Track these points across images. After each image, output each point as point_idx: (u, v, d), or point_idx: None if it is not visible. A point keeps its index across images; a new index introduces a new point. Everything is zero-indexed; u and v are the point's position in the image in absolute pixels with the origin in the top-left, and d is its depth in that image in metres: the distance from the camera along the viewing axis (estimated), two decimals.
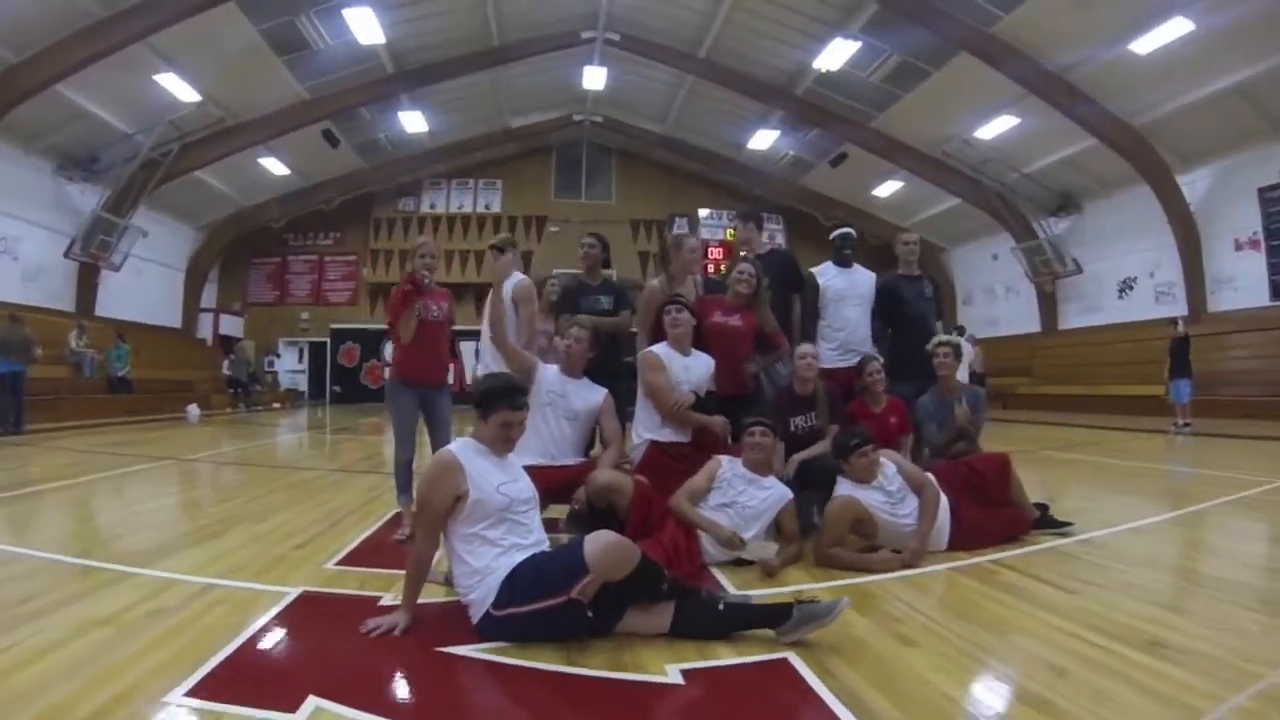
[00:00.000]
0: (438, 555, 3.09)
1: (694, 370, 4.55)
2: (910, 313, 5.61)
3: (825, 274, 5.63)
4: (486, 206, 23.96)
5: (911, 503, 4.07)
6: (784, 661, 2.64)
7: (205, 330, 21.96)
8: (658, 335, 4.74)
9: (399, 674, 2.55)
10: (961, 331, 15.23)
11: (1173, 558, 4.27)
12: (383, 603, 3.22)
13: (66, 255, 15.94)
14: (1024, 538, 4.44)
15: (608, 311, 5.32)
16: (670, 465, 4.36)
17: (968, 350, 13.85)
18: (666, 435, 4.50)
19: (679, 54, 17.86)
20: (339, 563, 3.98)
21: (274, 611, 3.10)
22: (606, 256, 5.65)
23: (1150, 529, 4.93)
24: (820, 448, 4.58)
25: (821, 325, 5.49)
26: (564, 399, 4.40)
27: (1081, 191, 18.21)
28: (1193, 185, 15.59)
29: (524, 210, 23.87)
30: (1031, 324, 20.17)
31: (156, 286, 19.47)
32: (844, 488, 4.04)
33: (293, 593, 3.36)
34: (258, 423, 15.08)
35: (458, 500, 2.93)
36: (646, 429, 4.55)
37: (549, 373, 4.43)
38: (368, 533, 4.73)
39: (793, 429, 4.72)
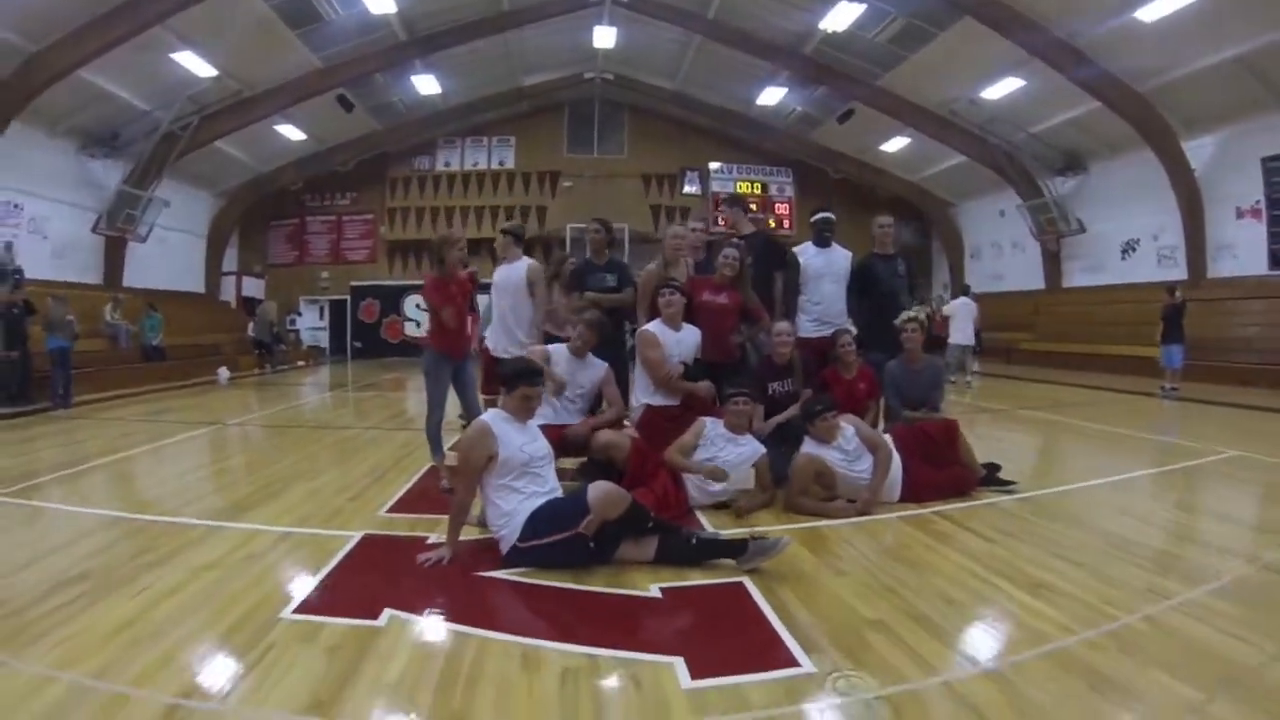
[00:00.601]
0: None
1: (684, 343, 5.46)
2: (883, 289, 6.36)
3: (805, 253, 6.41)
4: (501, 163, 24.54)
5: (867, 460, 4.91)
6: (740, 584, 3.53)
7: (229, 293, 22.86)
8: (654, 312, 5.61)
9: (448, 592, 3.45)
10: (966, 291, 15.63)
11: (1095, 518, 4.88)
12: (430, 540, 4.13)
13: (94, 230, 16.71)
14: (971, 494, 5.27)
15: (612, 289, 6.19)
16: (664, 425, 5.27)
17: (972, 309, 14.52)
18: (660, 400, 5.43)
19: (687, 14, 18.25)
20: (389, 510, 4.93)
21: (345, 550, 4.02)
22: (611, 238, 6.50)
23: (1089, 491, 5.66)
24: (794, 410, 5.42)
25: (801, 299, 6.30)
26: (572, 378, 5.27)
27: (1088, 152, 18.53)
28: (1198, 151, 15.84)
29: (537, 166, 24.45)
30: (1036, 281, 20.66)
31: (180, 254, 20.24)
32: (808, 446, 4.90)
33: (355, 536, 4.28)
34: (285, 383, 16.04)
35: (490, 459, 3.81)
36: (643, 394, 5.49)
37: (560, 355, 5.25)
38: (408, 485, 5.68)
39: (771, 393, 5.59)
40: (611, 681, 2.66)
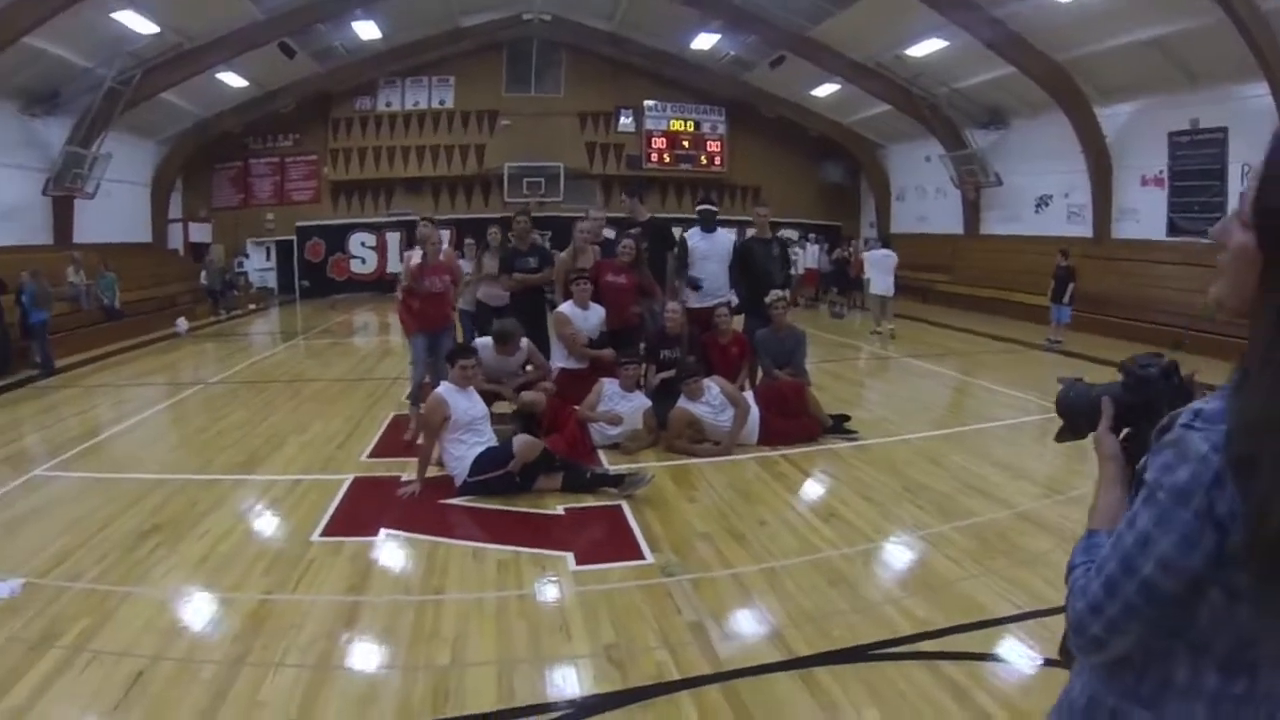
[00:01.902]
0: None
1: (590, 320, 7.40)
2: (759, 269, 8.14)
3: (693, 237, 8.17)
4: (441, 102, 25.49)
5: (729, 412, 6.80)
6: (618, 506, 5.45)
7: (176, 241, 23.77)
8: (567, 292, 7.48)
9: (421, 514, 5.29)
10: (888, 242, 16.96)
11: (907, 466, 6.47)
12: (403, 478, 5.95)
13: (44, 193, 17.50)
14: (819, 440, 7.17)
15: (535, 269, 8.12)
16: (575, 383, 7.18)
17: (892, 259, 15.48)
18: (572, 364, 7.39)
19: None
20: (368, 456, 6.78)
21: (343, 489, 5.85)
22: (532, 225, 8.47)
23: (919, 442, 7.36)
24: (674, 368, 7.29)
25: (688, 275, 8.07)
26: (501, 366, 7.00)
27: (1009, 109, 20.13)
28: (1112, 119, 17.39)
29: (476, 105, 25.47)
30: (956, 225, 22.55)
31: (125, 205, 20.93)
32: (682, 401, 6.80)
33: (348, 478, 6.11)
34: (244, 332, 17.52)
35: (444, 419, 5.60)
36: (559, 359, 7.47)
37: (488, 354, 6.87)
38: (379, 433, 7.55)
39: (662, 358, 7.48)
40: (528, 565, 4.55)
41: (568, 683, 3.42)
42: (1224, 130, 15.26)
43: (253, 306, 22.01)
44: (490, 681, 3.40)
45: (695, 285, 7.92)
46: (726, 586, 4.35)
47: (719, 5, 20.10)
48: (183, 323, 17.05)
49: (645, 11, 21.98)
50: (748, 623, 3.99)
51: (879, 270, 15.39)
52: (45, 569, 4.58)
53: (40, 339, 12.12)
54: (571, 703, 3.28)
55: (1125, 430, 1.30)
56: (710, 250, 8.08)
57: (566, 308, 7.36)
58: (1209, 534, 0.98)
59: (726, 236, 8.31)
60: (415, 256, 7.37)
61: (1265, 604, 0.96)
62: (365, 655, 3.64)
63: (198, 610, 4.11)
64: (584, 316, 7.34)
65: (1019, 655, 3.65)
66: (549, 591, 4.28)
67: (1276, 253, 0.97)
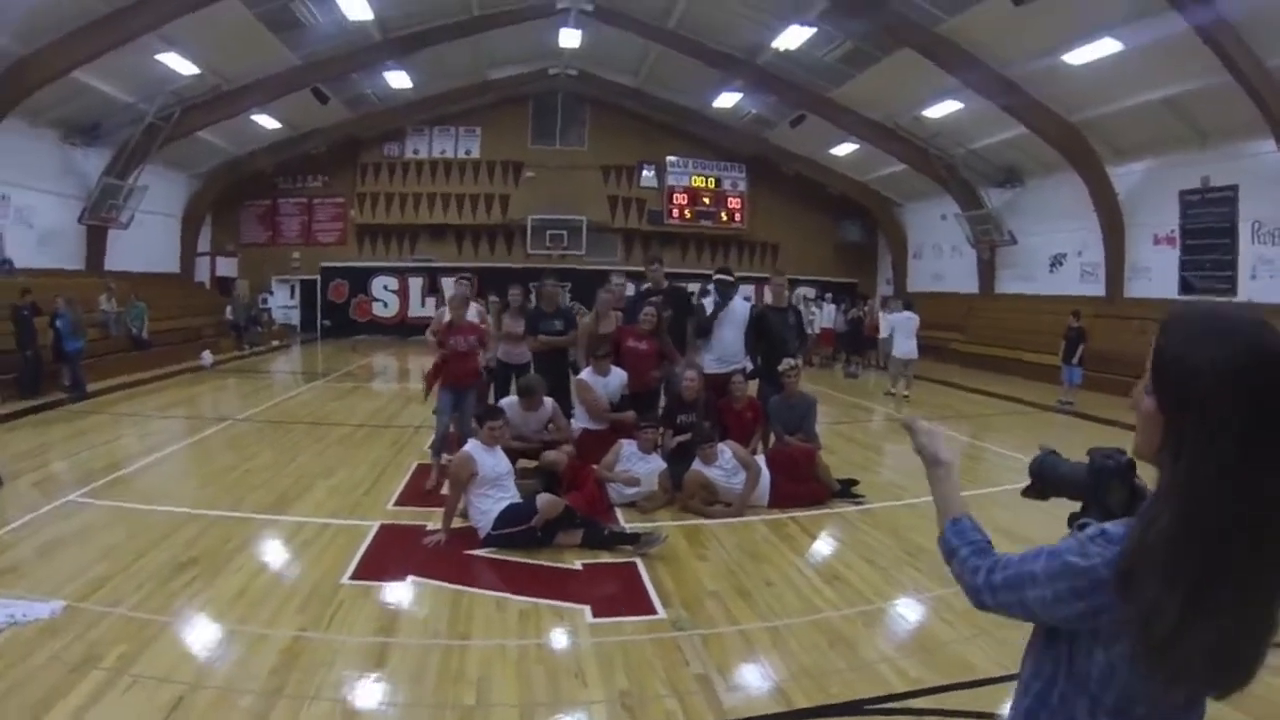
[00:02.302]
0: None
1: (611, 385, 7.80)
2: (775, 336, 8.55)
3: (709, 307, 8.54)
4: (467, 152, 26.42)
5: (741, 475, 7.14)
6: (633, 563, 5.76)
7: (203, 274, 24.64)
8: (588, 357, 7.91)
9: (447, 564, 5.64)
10: (909, 305, 16.57)
11: (910, 530, 6.67)
12: (428, 528, 6.28)
13: (80, 221, 18.32)
14: (827, 504, 7.49)
15: (559, 332, 8.58)
16: (595, 444, 7.53)
17: (915, 322, 15.40)
18: (593, 425, 7.76)
19: (648, 26, 20.19)
20: (394, 504, 7.13)
21: (370, 535, 6.19)
22: (559, 292, 8.79)
23: (922, 506, 7.39)
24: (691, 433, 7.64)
25: (704, 342, 8.47)
26: (525, 424, 7.45)
27: (1023, 169, 20.67)
28: (1125, 177, 17.81)
29: (502, 156, 26.38)
30: (971, 284, 23.06)
31: (156, 236, 21.85)
32: (696, 465, 7.14)
33: (375, 524, 6.46)
34: (267, 369, 18.07)
35: (472, 475, 5.96)
36: (581, 421, 7.84)
37: (514, 413, 7.28)
38: (404, 481, 7.92)
39: (679, 421, 7.82)
40: (548, 616, 4.88)
41: None
42: (1234, 188, 15.63)
43: (276, 343, 22.65)
44: None
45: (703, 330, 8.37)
46: (733, 642, 4.66)
47: (742, 66, 20.82)
48: (208, 355, 17.60)
49: (670, 69, 22.73)
50: (751, 676, 4.28)
51: (901, 333, 15.37)
52: (84, 594, 4.89)
53: (74, 365, 12.72)
54: None
55: (1079, 511, 1.60)
56: (725, 318, 8.45)
57: (588, 374, 7.82)
58: (1072, 606, 1.33)
59: (742, 304, 8.71)
60: (445, 315, 7.85)
61: (1148, 681, 1.29)
62: (395, 693, 3.96)
63: (234, 643, 4.41)
64: (604, 383, 7.80)
65: (1003, 712, 3.93)
66: (567, 641, 4.61)
67: (1171, 415, 1.29)
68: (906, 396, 14.77)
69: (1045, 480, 1.73)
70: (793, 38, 17.94)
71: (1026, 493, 1.75)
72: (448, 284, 24.94)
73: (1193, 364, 1.25)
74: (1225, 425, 1.21)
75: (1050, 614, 1.38)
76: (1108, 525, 1.35)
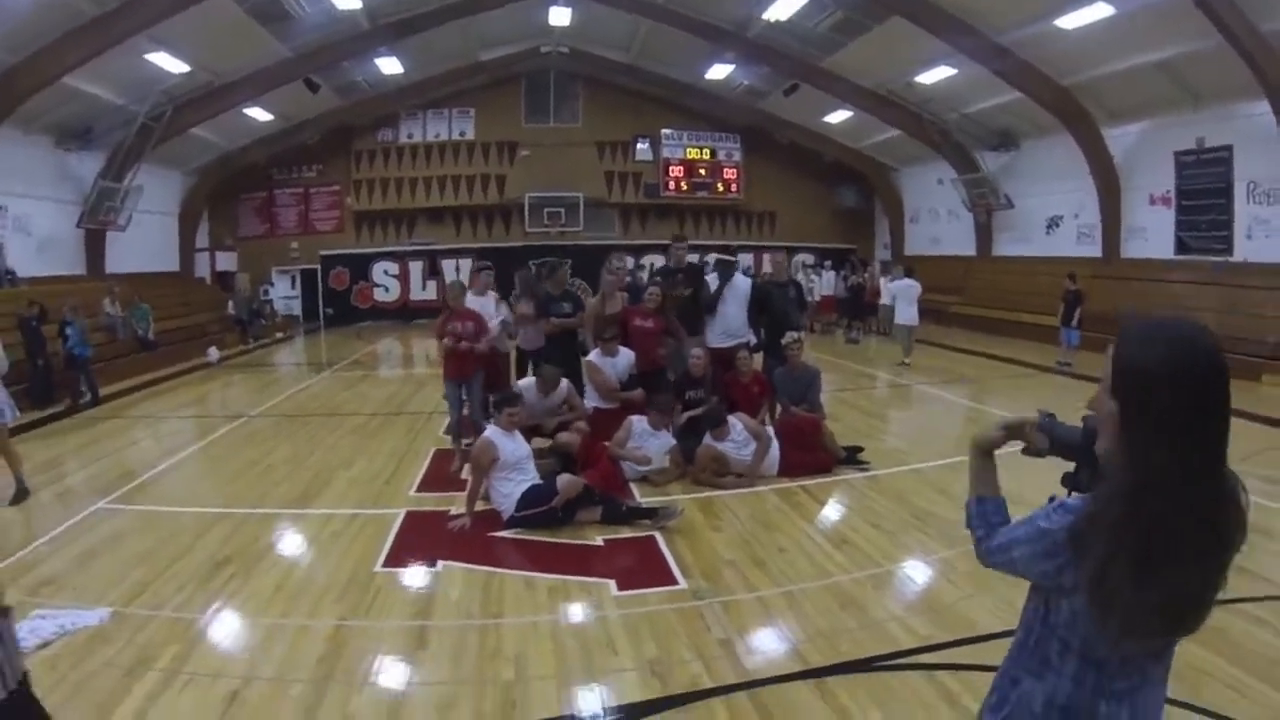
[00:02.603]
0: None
1: (619, 365, 8.12)
2: (777, 310, 8.85)
3: (712, 284, 8.83)
4: (461, 134, 26.40)
5: (751, 446, 7.42)
6: (652, 537, 6.05)
7: (203, 269, 24.77)
8: (598, 335, 8.23)
9: (474, 546, 5.91)
10: (911, 272, 16.71)
11: (915, 495, 7.02)
12: (452, 512, 6.57)
13: (79, 226, 18.38)
14: (834, 471, 7.76)
15: (569, 314, 8.80)
16: (607, 421, 7.82)
17: (916, 289, 15.67)
18: (604, 404, 8.08)
19: (638, 1, 20.21)
20: (416, 490, 7.40)
21: (398, 523, 6.46)
22: (566, 275, 9.18)
23: (926, 471, 7.87)
24: (701, 410, 7.89)
25: (710, 318, 8.74)
26: (543, 404, 7.75)
27: (1018, 132, 20.72)
28: (1120, 139, 17.92)
29: (496, 136, 26.38)
30: (969, 247, 23.19)
31: (155, 234, 21.90)
32: (707, 439, 7.42)
33: (400, 512, 6.73)
34: (274, 363, 18.35)
35: (493, 460, 6.23)
36: (592, 400, 8.18)
37: (531, 395, 7.60)
38: (424, 467, 8.20)
39: (687, 398, 8.08)
40: (575, 592, 5.17)
41: (617, 692, 4.01)
42: (1229, 149, 15.72)
43: (279, 335, 22.81)
44: (551, 693, 4.01)
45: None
46: (751, 608, 4.96)
47: (733, 38, 20.85)
48: (214, 352, 17.79)
49: (661, 43, 22.75)
50: (769, 639, 4.58)
51: (904, 300, 15.60)
52: (128, 599, 5.09)
53: (86, 371, 12.80)
54: (620, 708, 3.87)
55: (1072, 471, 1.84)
56: (729, 294, 8.73)
57: (595, 356, 8.12)
58: (1042, 565, 1.64)
59: (744, 281, 8.96)
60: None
61: (1101, 630, 1.57)
62: (439, 672, 4.24)
63: (280, 635, 4.66)
64: (612, 363, 8.09)
65: None
66: (596, 615, 4.89)
67: (1127, 414, 1.54)
68: (906, 363, 14.90)
69: (1055, 438, 1.94)
70: (783, 8, 17.97)
71: (1025, 451, 1.96)
72: (448, 266, 25.56)
73: (1144, 366, 1.51)
74: (1170, 414, 1.48)
75: (1029, 570, 1.71)
76: (1068, 498, 1.66)
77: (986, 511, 1.88)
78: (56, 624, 4.65)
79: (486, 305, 8.79)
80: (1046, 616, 1.69)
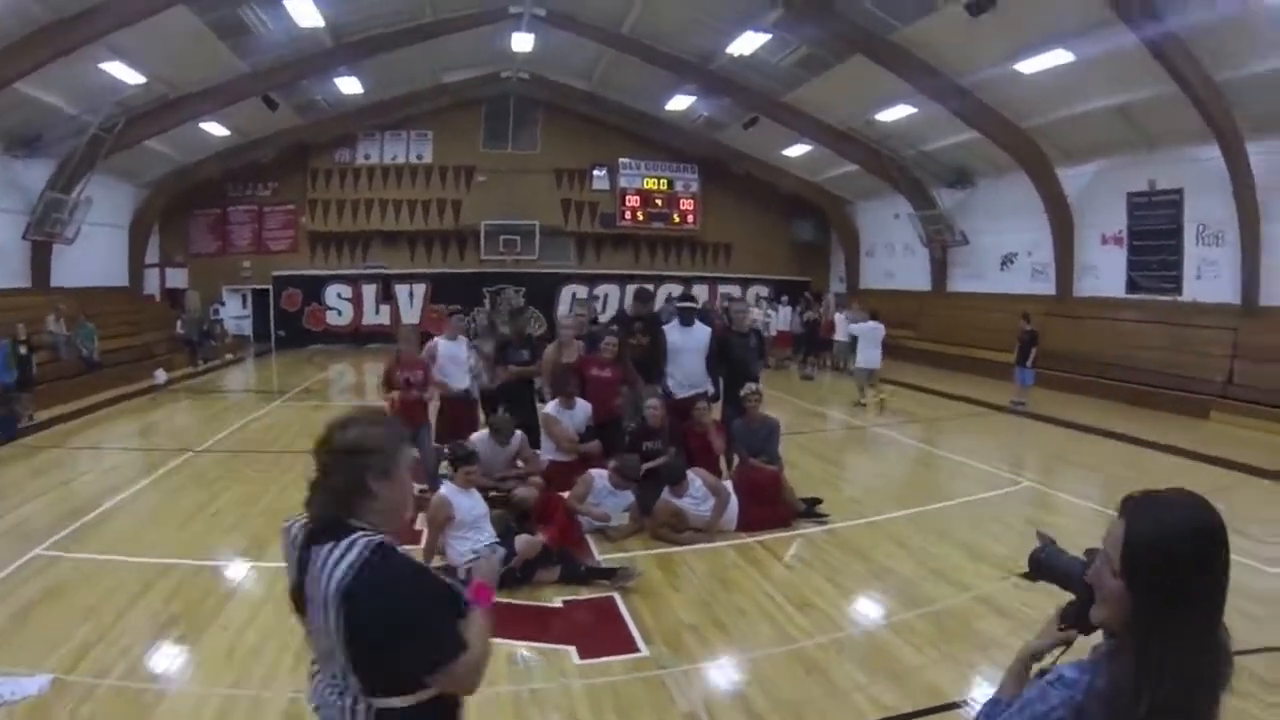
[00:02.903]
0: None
1: (577, 418, 8.15)
2: (735, 358, 8.90)
3: (671, 332, 8.85)
4: (419, 157, 26.26)
5: (709, 501, 7.42)
6: (611, 598, 6.01)
7: (152, 285, 24.20)
8: (553, 388, 8.28)
9: None
10: (875, 315, 16.48)
11: (874, 550, 7.15)
12: None
13: (24, 237, 17.86)
14: (792, 524, 7.78)
15: (527, 362, 8.87)
16: (563, 474, 7.85)
17: (879, 332, 15.65)
18: (560, 457, 8.09)
19: (602, 31, 20.32)
20: None
21: None
22: (527, 322, 9.15)
23: (884, 523, 7.98)
24: (659, 461, 7.86)
25: (669, 367, 8.75)
26: (496, 457, 7.72)
27: (975, 170, 21.18)
28: (1074, 179, 18.41)
29: (454, 160, 26.29)
30: (924, 282, 23.57)
31: (103, 248, 21.32)
32: (665, 495, 7.41)
33: None
34: (223, 389, 17.97)
35: (448, 519, 6.14)
36: (548, 453, 8.17)
37: (485, 447, 7.58)
38: None
39: (645, 449, 8.06)
40: (536, 659, 5.10)
41: None
42: (1179, 191, 16.24)
43: (229, 357, 22.40)
44: None
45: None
46: (714, 677, 4.96)
47: (696, 70, 21.03)
48: (161, 374, 17.43)
49: (623, 73, 22.90)
50: (734, 711, 4.54)
51: (867, 342, 15.45)
52: (70, 664, 4.84)
53: (8, 401, 12.20)
54: None
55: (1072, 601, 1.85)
56: (686, 343, 8.72)
57: (553, 408, 8.13)
58: None
59: (703, 330, 8.91)
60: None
61: None
62: None
63: (233, 709, 4.46)
64: (570, 415, 8.13)
65: None
66: (558, 685, 4.82)
67: (1141, 596, 1.53)
68: (883, 401, 14.91)
69: (1042, 573, 1.99)
70: (747, 43, 18.14)
71: (1027, 576, 2.01)
72: (402, 291, 25.40)
73: (1164, 547, 1.53)
74: (1187, 593, 1.52)
75: None
76: (1064, 670, 1.62)
77: (997, 713, 1.84)
78: None
79: (458, 350, 8.74)
80: None
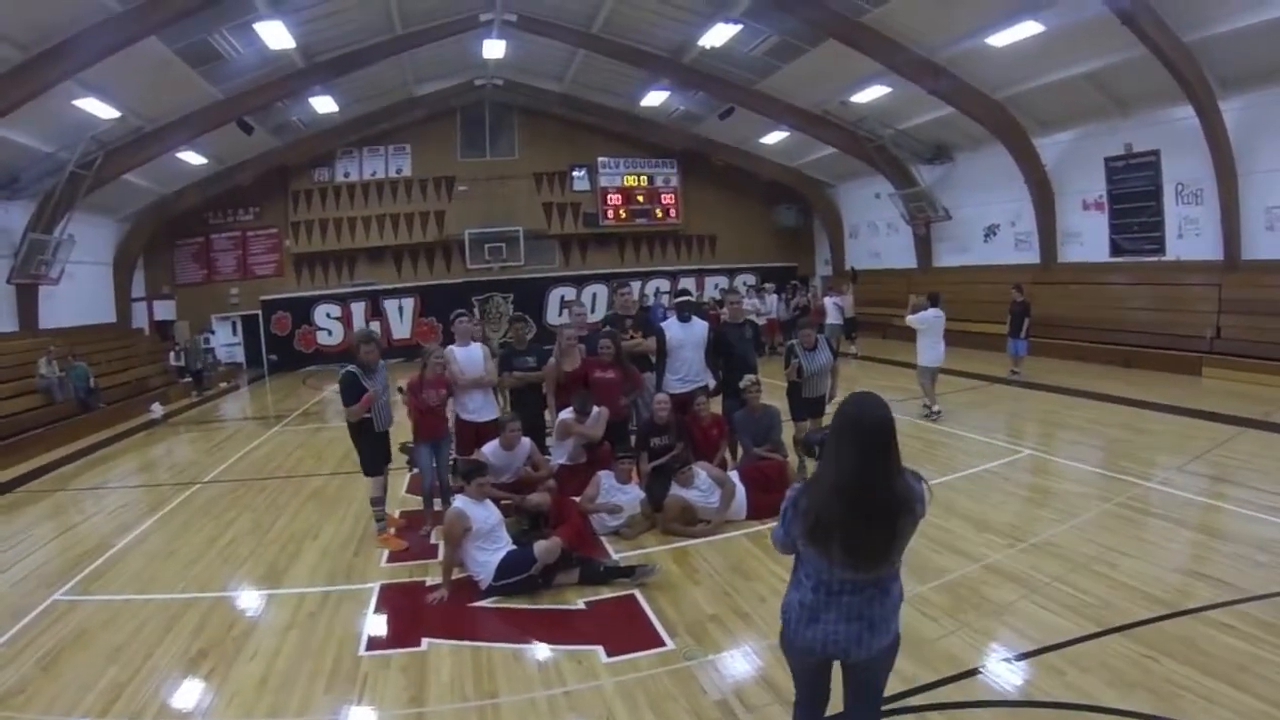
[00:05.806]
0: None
1: (595, 425, 8.20)
2: (734, 352, 8.99)
3: (670, 327, 8.94)
4: (398, 171, 26.31)
5: (717, 493, 7.55)
6: (632, 595, 6.11)
7: (140, 319, 24.18)
8: (559, 395, 8.48)
9: (456, 620, 5.91)
10: (936, 300, 13.04)
11: None
12: (428, 584, 6.54)
13: (9, 281, 17.85)
14: None
15: (532, 368, 8.88)
16: (574, 477, 7.99)
17: (942, 319, 12.95)
18: (570, 461, 8.22)
19: (572, 31, 20.38)
20: (388, 562, 7.31)
21: (373, 600, 6.39)
22: (526, 328, 9.39)
23: None
24: (667, 458, 8.00)
25: (669, 362, 8.85)
26: (508, 465, 7.81)
27: (953, 144, 21.39)
28: (1051, 148, 18.69)
29: (433, 172, 26.38)
30: (909, 259, 23.79)
31: (89, 286, 21.32)
32: (674, 490, 7.54)
33: (375, 586, 6.66)
34: (221, 419, 17.91)
35: (465, 531, 6.24)
36: (558, 458, 8.29)
37: (495, 457, 7.69)
38: (393, 534, 8.03)
39: (652, 445, 8.20)
40: (566, 662, 5.20)
41: None
42: (1156, 153, 16.52)
43: (224, 385, 22.41)
44: None
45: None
46: (741, 665, 5.07)
47: (668, 65, 21.16)
48: (158, 408, 17.42)
49: (596, 72, 23.03)
50: (762, 695, 4.66)
51: (932, 334, 12.38)
52: (104, 707, 4.83)
53: None
54: None
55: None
56: (686, 339, 8.83)
57: (567, 415, 8.25)
58: (787, 525, 3.15)
59: (701, 325, 9.02)
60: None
61: (819, 559, 3.00)
62: None
63: None
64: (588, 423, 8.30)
65: (993, 698, 4.46)
66: (590, 685, 4.91)
67: (826, 449, 2.93)
68: (939, 412, 12.17)
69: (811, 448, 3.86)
70: (718, 35, 18.22)
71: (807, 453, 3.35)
72: (391, 307, 25.46)
73: (837, 424, 3.03)
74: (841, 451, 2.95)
75: (787, 532, 3.16)
76: (796, 484, 3.26)
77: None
78: None
79: (474, 354, 8.55)
80: (797, 556, 3.18)
